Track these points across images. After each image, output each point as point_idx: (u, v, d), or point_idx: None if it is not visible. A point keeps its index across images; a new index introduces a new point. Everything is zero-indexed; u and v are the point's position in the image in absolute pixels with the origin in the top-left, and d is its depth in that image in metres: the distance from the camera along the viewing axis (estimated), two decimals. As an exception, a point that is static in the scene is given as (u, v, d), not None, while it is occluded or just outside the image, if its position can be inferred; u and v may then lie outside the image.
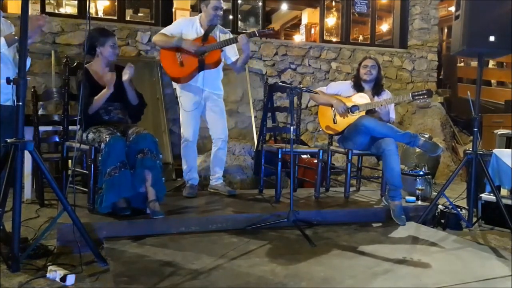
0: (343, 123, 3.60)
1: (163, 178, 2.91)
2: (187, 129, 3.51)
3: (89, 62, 3.09)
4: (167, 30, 3.47)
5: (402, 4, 7.16)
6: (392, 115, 3.68)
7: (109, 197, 2.70)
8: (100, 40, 2.99)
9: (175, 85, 3.58)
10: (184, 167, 3.61)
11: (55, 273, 2.11)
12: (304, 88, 3.29)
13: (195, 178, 3.62)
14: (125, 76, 2.95)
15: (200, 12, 3.54)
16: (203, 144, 4.73)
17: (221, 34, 3.53)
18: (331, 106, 3.64)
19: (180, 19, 3.61)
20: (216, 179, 3.70)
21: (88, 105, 2.90)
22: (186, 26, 3.47)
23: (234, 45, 3.46)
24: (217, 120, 3.58)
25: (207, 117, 3.58)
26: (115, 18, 5.77)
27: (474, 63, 8.43)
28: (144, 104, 3.19)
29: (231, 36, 3.54)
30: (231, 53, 3.56)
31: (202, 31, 3.44)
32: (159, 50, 5.45)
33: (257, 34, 3.38)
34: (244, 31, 6.09)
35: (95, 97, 2.92)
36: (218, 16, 3.46)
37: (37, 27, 2.39)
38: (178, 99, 3.57)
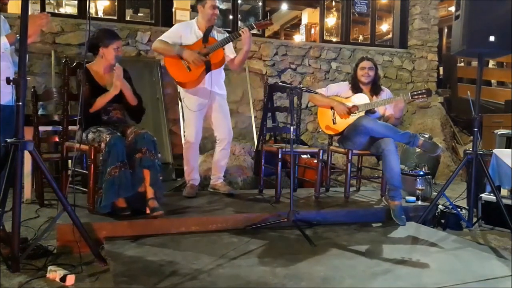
0: (342, 123, 3.60)
1: (161, 178, 2.91)
2: (191, 130, 3.51)
3: (89, 62, 3.08)
4: (166, 36, 3.43)
5: (402, 4, 7.16)
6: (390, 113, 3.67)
7: (109, 196, 2.70)
8: (105, 41, 2.97)
9: (179, 87, 3.58)
10: (186, 167, 3.61)
11: (55, 273, 2.12)
12: (304, 88, 3.30)
13: (196, 178, 3.63)
14: (118, 79, 2.94)
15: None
16: (203, 144, 4.73)
17: (218, 34, 3.54)
18: (332, 108, 3.64)
19: (177, 25, 3.59)
20: (217, 179, 3.70)
21: (89, 104, 2.90)
22: (184, 30, 3.46)
23: (231, 42, 3.46)
24: (222, 121, 3.59)
25: (212, 118, 3.58)
26: (115, 18, 5.76)
27: (474, 63, 8.43)
28: (142, 107, 3.17)
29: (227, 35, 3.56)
30: (229, 51, 3.56)
31: (201, 34, 3.44)
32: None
33: (255, 26, 3.38)
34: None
35: (99, 97, 2.91)
36: (215, 15, 3.47)
37: (38, 26, 2.37)
38: (182, 100, 3.56)
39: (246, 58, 3.66)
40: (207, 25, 3.45)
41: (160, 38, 3.44)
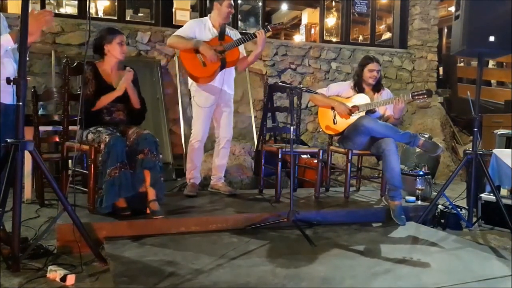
0: (343, 123, 3.60)
1: (162, 178, 2.91)
2: (198, 128, 3.51)
3: (89, 62, 3.08)
4: (181, 32, 3.45)
5: (402, 4, 7.16)
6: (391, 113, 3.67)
7: (109, 197, 2.70)
8: (107, 38, 2.98)
9: (190, 84, 3.58)
10: (189, 165, 3.61)
11: (55, 273, 2.12)
12: (304, 88, 3.29)
13: (197, 177, 3.63)
14: (125, 82, 2.95)
15: (206, 12, 3.55)
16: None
17: (231, 32, 3.57)
18: (332, 108, 3.64)
19: (192, 21, 3.61)
20: (218, 179, 3.71)
21: (92, 103, 2.91)
22: (199, 27, 3.48)
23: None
24: (225, 120, 3.61)
25: (217, 116, 3.60)
26: (115, 18, 5.76)
27: (474, 63, 8.43)
28: (145, 109, 3.18)
29: (239, 34, 3.58)
30: (241, 50, 3.58)
31: (215, 31, 3.47)
32: (159, 50, 5.57)
33: (270, 29, 3.43)
34: (244, 31, 6.10)
35: (103, 96, 2.92)
36: (231, 13, 3.52)
37: (41, 24, 2.34)
38: (192, 98, 3.57)
39: (256, 60, 3.70)
40: (222, 22, 3.48)
41: (176, 33, 3.46)
